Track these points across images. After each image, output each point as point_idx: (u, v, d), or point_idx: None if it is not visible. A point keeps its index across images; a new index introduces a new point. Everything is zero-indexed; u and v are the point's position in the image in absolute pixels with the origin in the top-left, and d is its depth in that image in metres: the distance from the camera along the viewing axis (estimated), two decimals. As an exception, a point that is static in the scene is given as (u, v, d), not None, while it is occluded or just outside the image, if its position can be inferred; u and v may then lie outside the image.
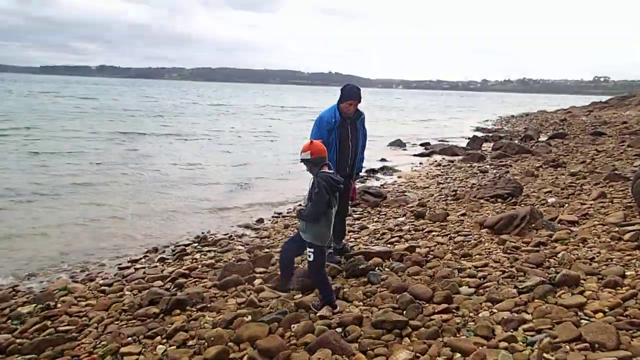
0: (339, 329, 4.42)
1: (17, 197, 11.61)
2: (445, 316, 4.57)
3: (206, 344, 4.28)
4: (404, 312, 4.69)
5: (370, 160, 19.13)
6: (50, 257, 7.99)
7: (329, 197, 4.72)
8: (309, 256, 4.92)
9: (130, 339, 4.50)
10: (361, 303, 5.06)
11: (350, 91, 5.95)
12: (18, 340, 4.57)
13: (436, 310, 4.67)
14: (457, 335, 4.23)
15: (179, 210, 10.88)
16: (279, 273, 5.62)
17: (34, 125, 27.27)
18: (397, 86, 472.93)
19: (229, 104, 64.30)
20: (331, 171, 4.89)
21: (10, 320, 5.11)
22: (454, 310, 4.70)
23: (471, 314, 4.63)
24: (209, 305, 5.32)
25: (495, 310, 4.63)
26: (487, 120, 45.01)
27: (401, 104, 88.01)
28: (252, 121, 38.58)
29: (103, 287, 6.27)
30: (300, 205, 11.55)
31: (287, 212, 10.87)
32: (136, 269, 7.15)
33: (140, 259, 7.79)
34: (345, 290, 5.41)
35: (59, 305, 5.61)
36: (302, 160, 4.87)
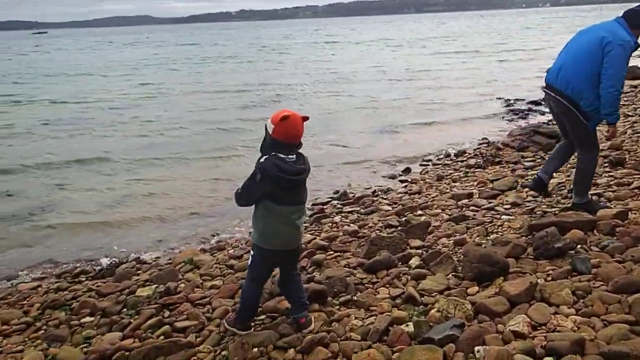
0: (549, 359, 2.96)
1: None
2: None
3: (354, 372, 3.07)
4: (648, 330, 3.08)
5: (529, 91, 16.62)
6: (185, 215, 7.43)
7: (261, 186, 3.31)
8: (250, 253, 3.70)
9: (256, 350, 3.44)
10: (572, 310, 3.49)
11: None
12: (126, 342, 3.75)
13: None
14: None
15: (316, 160, 9.77)
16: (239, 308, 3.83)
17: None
18: (544, 4, 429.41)
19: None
20: (289, 156, 3.34)
21: (125, 309, 4.35)
22: None
23: None
24: (354, 297, 4.10)
25: None
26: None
27: (548, 23, 78.68)
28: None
29: (232, 261, 5.36)
30: (452, 148, 9.94)
31: (438, 160, 9.29)
32: (269, 236, 6.18)
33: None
34: (541, 283, 3.85)
35: (181, 285, 4.77)
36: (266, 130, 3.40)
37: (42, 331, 4.17)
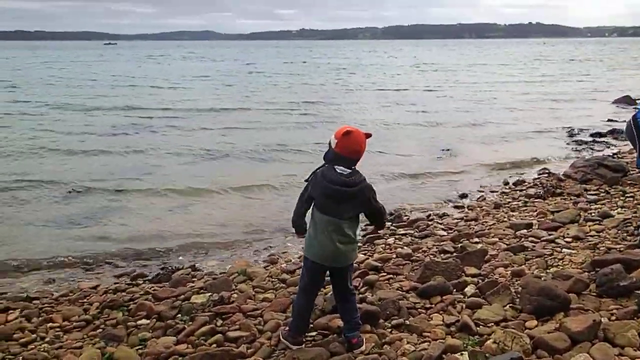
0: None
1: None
2: None
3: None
4: None
5: (594, 120, 16.15)
6: (239, 228, 7.53)
7: (307, 190, 3.54)
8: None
9: (307, 367, 3.45)
10: (639, 352, 3.33)
11: None
12: (180, 347, 3.83)
13: None
14: None
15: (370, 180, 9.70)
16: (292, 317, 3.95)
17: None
18: (611, 34, 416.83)
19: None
20: (344, 170, 3.43)
21: (180, 315, 4.45)
22: None
23: None
24: (407, 321, 4.06)
25: None
26: None
27: (616, 53, 75.96)
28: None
29: (284, 275, 5.39)
30: (510, 177, 9.75)
31: (496, 187, 9.10)
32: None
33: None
34: (604, 321, 3.69)
35: (234, 295, 4.84)
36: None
37: (100, 330, 4.32)
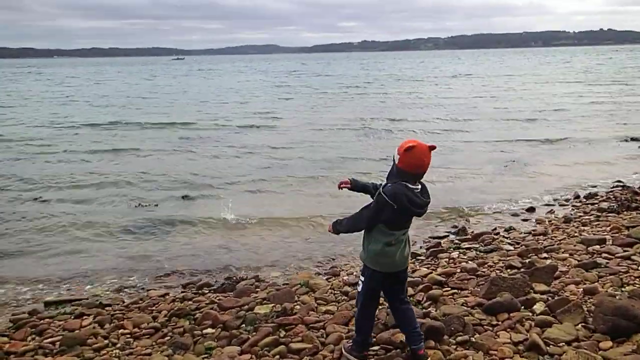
0: None
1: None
2: None
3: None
4: None
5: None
6: (301, 239, 7.63)
7: (385, 211, 3.36)
8: (360, 279, 3.67)
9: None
10: None
11: None
12: (244, 357, 3.90)
13: None
14: None
15: (434, 192, 9.49)
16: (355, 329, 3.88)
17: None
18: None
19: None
20: (415, 187, 3.37)
21: (244, 325, 4.53)
22: None
23: None
24: (472, 338, 3.95)
25: None
26: None
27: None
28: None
29: (346, 288, 5.39)
30: (581, 190, 9.34)
31: (566, 201, 8.73)
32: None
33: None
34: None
35: (297, 307, 4.88)
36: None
37: (168, 337, 4.46)
